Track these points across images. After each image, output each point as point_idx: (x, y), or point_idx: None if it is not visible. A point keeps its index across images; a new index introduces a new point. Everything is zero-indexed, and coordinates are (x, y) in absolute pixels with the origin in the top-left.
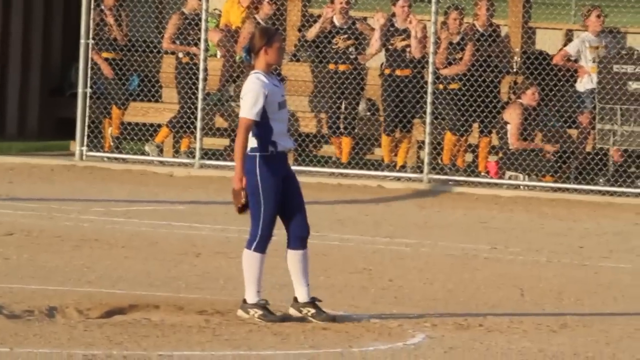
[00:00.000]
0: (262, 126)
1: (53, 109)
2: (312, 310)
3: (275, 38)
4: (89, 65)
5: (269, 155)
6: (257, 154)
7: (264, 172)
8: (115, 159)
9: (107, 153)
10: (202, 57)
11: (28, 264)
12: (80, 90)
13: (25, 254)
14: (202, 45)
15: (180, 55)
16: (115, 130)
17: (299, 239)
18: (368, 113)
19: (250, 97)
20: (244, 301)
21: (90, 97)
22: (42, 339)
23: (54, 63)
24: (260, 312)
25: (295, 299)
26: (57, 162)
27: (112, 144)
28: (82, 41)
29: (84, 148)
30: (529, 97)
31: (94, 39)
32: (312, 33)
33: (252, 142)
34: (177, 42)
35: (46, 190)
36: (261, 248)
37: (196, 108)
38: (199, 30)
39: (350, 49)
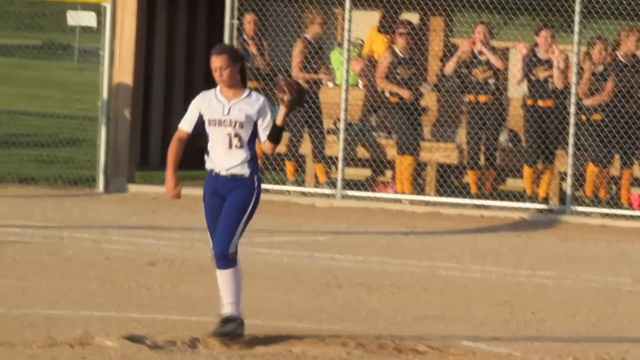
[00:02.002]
0: (206, 142)
1: (195, 139)
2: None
3: (212, 58)
4: None
5: (207, 172)
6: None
7: (204, 188)
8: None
9: None
10: (344, 87)
11: (170, 294)
12: None
13: (168, 284)
14: (344, 74)
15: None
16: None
17: (215, 258)
18: (510, 144)
19: (188, 109)
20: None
21: None
22: None
23: (196, 94)
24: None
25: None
26: (199, 192)
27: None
28: None
29: None
30: None
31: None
32: (449, 68)
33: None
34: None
35: (189, 219)
36: (219, 264)
37: (338, 138)
38: (321, 56)
39: (490, 80)
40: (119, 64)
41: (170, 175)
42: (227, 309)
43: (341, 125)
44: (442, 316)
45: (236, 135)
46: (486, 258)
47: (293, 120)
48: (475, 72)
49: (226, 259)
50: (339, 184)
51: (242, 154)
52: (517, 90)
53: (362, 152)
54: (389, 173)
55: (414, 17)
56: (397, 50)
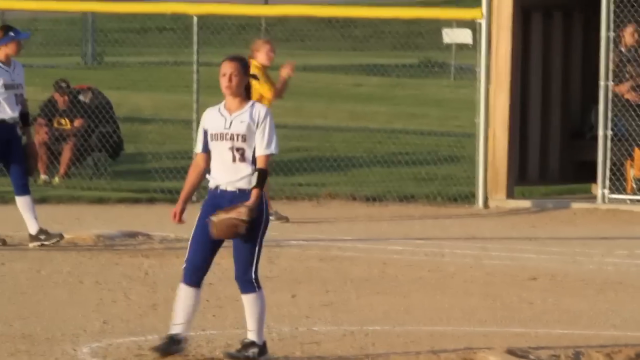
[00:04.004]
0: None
1: (574, 152)
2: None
3: (223, 64)
4: (609, 107)
5: (209, 189)
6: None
7: (203, 204)
8: (638, 201)
9: (629, 195)
10: None
11: (553, 308)
12: (600, 132)
13: (550, 298)
14: None
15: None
16: (637, 172)
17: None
18: None
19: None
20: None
21: (612, 139)
22: None
23: (573, 105)
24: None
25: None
26: (579, 205)
27: (634, 185)
28: (602, 83)
29: (606, 190)
30: None
31: (613, 80)
32: None
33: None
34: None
35: (569, 233)
36: (183, 278)
37: None
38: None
39: None
40: (495, 80)
41: (179, 201)
42: (249, 335)
43: None
44: None
45: (238, 149)
46: None
47: None
48: None
49: (251, 283)
50: None
51: (247, 168)
52: None
53: None
54: None
55: None
56: None
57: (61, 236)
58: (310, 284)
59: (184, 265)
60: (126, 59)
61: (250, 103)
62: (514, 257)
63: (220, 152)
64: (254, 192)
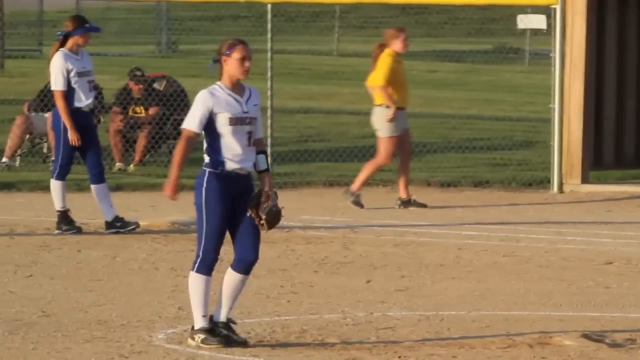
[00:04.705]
0: (212, 142)
1: None
2: (224, 332)
3: (237, 49)
4: None
5: (218, 174)
6: (207, 169)
7: (210, 190)
8: None
9: None
10: None
11: (628, 292)
12: None
13: (626, 282)
14: None
15: None
16: None
17: (242, 263)
18: None
19: (194, 108)
20: (192, 328)
21: None
22: None
23: None
24: (202, 336)
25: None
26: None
27: None
28: None
29: None
30: None
31: None
32: None
33: (205, 157)
34: None
35: None
36: (203, 269)
37: None
38: None
39: None
40: (570, 65)
41: (174, 177)
42: (226, 312)
43: None
44: None
45: (250, 132)
46: None
47: None
48: None
49: (252, 265)
50: None
51: (254, 151)
52: None
53: None
54: None
55: None
56: None
57: (137, 224)
58: (385, 270)
59: (200, 257)
60: (200, 47)
61: (245, 86)
62: (589, 241)
63: (239, 137)
64: (268, 175)
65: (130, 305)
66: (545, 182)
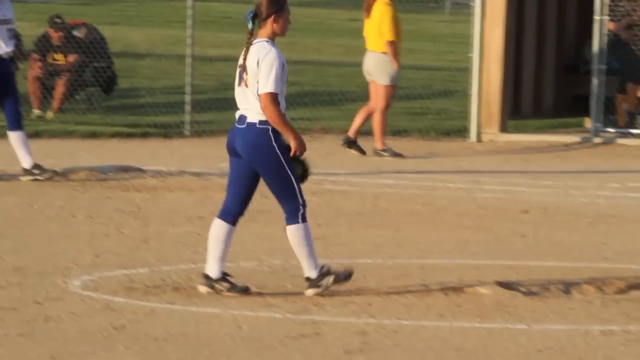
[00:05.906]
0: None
1: (568, 87)
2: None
3: (286, 7)
4: (604, 42)
5: (274, 128)
6: (269, 127)
7: (280, 145)
8: (631, 134)
9: (621, 129)
10: None
11: (544, 241)
12: (595, 67)
13: (542, 231)
14: None
15: None
16: (631, 106)
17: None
18: None
19: (272, 70)
20: (307, 279)
21: (605, 74)
22: (559, 315)
23: (568, 40)
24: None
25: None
26: (572, 139)
27: (626, 119)
28: (596, 17)
29: (599, 124)
30: None
31: (608, 15)
32: None
33: (260, 115)
34: None
35: (561, 167)
36: (305, 217)
37: None
38: None
39: None
40: (490, 15)
41: (296, 133)
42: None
43: None
44: None
45: None
46: None
47: None
48: None
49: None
50: None
51: None
52: None
53: None
54: None
55: None
56: None
57: (55, 172)
58: None
59: (303, 205)
60: None
61: None
62: (506, 190)
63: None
64: None
65: (46, 252)
66: (463, 132)
